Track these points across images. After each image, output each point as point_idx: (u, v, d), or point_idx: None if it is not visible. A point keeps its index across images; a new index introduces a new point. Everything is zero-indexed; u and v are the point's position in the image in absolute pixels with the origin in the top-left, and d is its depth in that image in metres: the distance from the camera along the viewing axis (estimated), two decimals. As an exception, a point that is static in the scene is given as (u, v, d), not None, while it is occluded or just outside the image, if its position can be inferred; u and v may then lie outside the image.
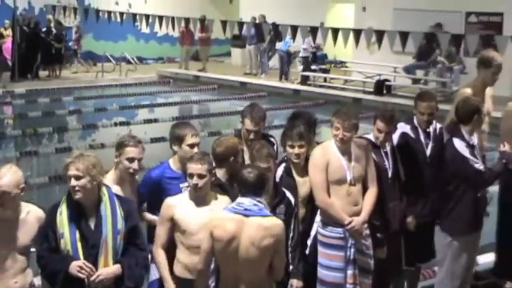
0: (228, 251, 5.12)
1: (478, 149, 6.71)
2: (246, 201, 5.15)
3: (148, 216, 6.02)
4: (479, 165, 6.48)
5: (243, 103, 20.07)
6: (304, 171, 6.23)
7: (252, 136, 6.43)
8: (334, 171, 6.08)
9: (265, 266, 5.20)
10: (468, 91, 7.35)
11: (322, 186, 6.08)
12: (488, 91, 7.69)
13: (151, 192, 5.95)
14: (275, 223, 5.18)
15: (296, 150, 6.18)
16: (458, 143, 6.56)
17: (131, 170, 5.71)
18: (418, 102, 6.90)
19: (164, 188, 5.91)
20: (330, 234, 6.10)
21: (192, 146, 5.96)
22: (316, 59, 23.52)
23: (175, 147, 6.00)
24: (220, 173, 5.97)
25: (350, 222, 6.07)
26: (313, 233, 6.24)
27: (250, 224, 5.09)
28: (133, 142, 5.73)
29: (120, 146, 5.75)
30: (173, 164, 6.03)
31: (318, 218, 6.23)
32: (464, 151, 6.50)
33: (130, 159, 5.68)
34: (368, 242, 6.26)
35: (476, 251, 6.96)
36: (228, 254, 5.14)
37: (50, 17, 23.87)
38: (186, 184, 5.71)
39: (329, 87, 22.57)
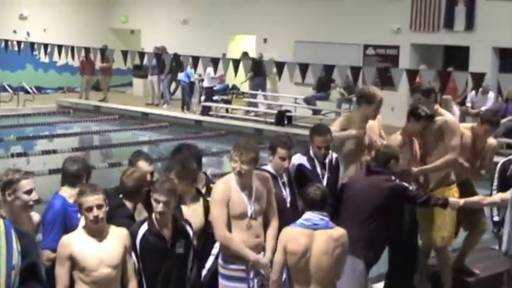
0: (301, 263, 5.74)
1: None
2: (313, 217, 5.78)
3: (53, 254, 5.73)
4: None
5: (145, 133, 20.05)
6: (195, 203, 6.24)
7: (148, 178, 6.33)
8: (235, 206, 6.08)
9: (335, 273, 5.89)
10: (338, 122, 7.72)
11: (223, 222, 6.04)
12: (375, 123, 7.89)
13: (59, 223, 5.81)
14: (342, 233, 5.86)
15: None
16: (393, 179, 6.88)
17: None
18: (314, 137, 7.03)
19: (69, 219, 5.80)
20: (232, 267, 6.09)
21: None
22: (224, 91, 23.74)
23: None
24: (129, 205, 5.95)
25: (255, 260, 6.08)
26: (208, 265, 6.24)
27: (320, 236, 5.74)
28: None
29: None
30: (69, 198, 5.91)
31: (214, 250, 6.24)
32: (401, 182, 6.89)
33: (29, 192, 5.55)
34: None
35: None
36: (301, 265, 5.75)
37: None
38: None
39: (231, 117, 22.69)
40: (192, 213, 6.17)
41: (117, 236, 5.50)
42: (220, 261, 6.17)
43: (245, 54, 22.78)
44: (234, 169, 6.10)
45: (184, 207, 6.15)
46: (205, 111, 22.86)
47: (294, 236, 5.78)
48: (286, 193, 6.63)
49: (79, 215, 5.69)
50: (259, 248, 6.17)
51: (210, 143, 18.93)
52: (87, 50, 18.97)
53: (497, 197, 7.70)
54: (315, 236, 5.75)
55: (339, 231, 5.86)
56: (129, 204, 5.97)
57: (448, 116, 7.88)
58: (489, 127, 7.84)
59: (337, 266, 5.89)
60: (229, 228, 6.08)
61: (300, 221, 5.85)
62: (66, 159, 6.18)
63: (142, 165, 6.43)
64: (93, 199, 5.36)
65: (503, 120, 17.43)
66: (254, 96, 23.61)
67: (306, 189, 5.95)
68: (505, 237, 7.40)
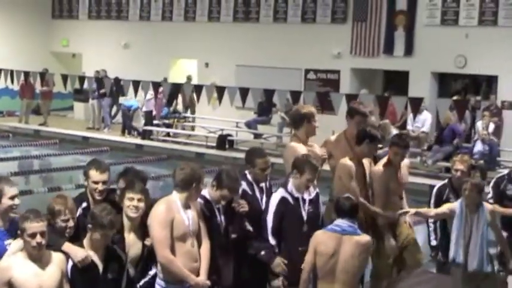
0: (329, 264, 6.27)
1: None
2: (342, 223, 6.34)
3: None
4: (269, 230, 6.79)
5: (86, 158, 19.76)
6: (138, 230, 6.18)
7: (100, 187, 6.28)
8: (180, 225, 6.06)
9: (358, 275, 6.46)
10: (293, 144, 7.70)
11: (166, 243, 6.01)
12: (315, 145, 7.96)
13: None
14: (368, 240, 6.44)
15: (135, 202, 6.11)
16: (276, 195, 6.89)
17: None
18: (255, 160, 7.05)
19: None
20: (171, 291, 6.07)
21: (13, 197, 5.78)
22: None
23: None
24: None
25: (196, 283, 6.08)
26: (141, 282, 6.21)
27: (348, 241, 6.29)
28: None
29: None
30: None
31: (151, 272, 6.20)
32: (273, 205, 6.82)
33: None
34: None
35: None
36: (329, 266, 6.28)
37: None
38: (9, 241, 5.56)
39: (172, 141, 22.63)
40: (134, 241, 6.14)
41: (55, 261, 5.45)
42: (157, 286, 6.13)
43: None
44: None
45: (126, 235, 6.11)
46: (147, 135, 22.75)
47: (324, 239, 6.34)
48: (220, 219, 6.62)
49: (6, 242, 5.62)
50: (196, 273, 6.16)
51: (151, 167, 18.80)
52: (27, 73, 18.75)
53: (445, 207, 7.76)
54: (343, 240, 6.29)
55: (365, 238, 6.41)
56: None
57: None
58: (397, 149, 7.78)
59: (360, 269, 6.45)
60: (171, 251, 6.04)
61: (331, 226, 6.41)
62: None
63: (93, 174, 6.32)
64: (38, 225, 5.31)
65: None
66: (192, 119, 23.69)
67: (337, 199, 6.56)
68: (452, 245, 7.46)
